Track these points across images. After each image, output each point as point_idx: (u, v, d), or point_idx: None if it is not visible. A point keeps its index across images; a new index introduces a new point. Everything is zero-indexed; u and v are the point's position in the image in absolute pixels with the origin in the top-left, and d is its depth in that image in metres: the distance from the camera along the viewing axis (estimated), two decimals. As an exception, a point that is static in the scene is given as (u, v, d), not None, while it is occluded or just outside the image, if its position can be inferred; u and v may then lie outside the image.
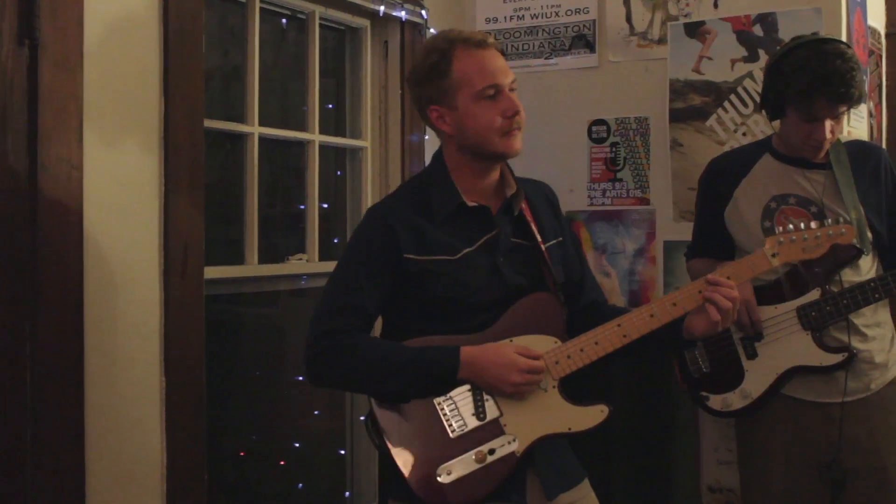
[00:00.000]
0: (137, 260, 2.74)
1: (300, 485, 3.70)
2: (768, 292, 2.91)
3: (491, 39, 2.40)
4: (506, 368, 2.28)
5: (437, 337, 2.35)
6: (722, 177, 3.06)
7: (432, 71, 2.37)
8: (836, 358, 2.85)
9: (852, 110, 3.42)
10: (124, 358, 2.70)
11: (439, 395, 2.31)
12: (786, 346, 2.89)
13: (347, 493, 3.85)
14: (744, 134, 3.58)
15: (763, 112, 3.01)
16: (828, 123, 2.77)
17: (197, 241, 2.87)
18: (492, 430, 2.31)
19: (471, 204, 2.40)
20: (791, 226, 2.50)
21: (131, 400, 2.71)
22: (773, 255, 2.48)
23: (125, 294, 2.70)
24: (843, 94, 2.72)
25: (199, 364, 2.89)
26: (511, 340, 2.35)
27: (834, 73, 2.69)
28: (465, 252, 2.37)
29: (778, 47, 3.05)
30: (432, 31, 3.97)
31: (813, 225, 2.49)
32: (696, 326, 2.42)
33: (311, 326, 2.35)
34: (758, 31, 3.59)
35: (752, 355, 2.93)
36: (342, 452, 3.86)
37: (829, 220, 2.51)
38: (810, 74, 2.71)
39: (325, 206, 3.77)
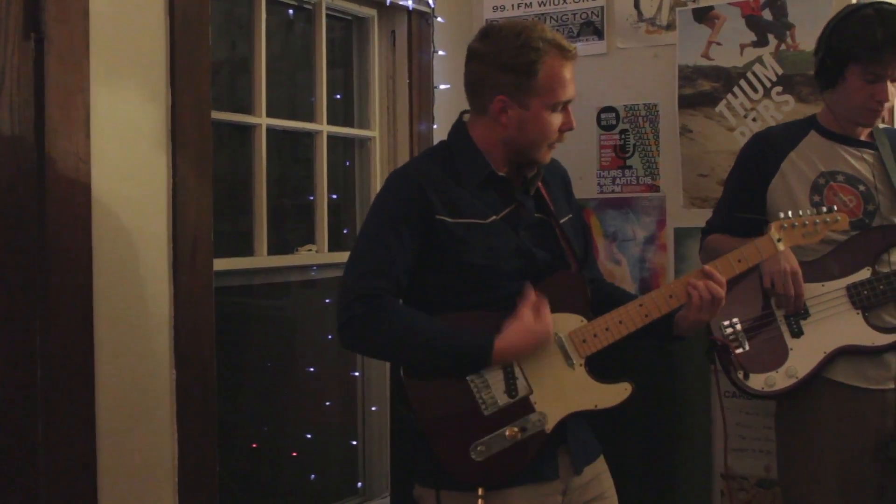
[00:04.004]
0: (146, 252, 2.74)
1: (312, 476, 3.70)
2: (813, 270, 2.85)
3: (575, 50, 2.41)
4: (538, 337, 2.31)
5: (469, 314, 2.36)
6: (770, 149, 2.99)
7: (522, 66, 2.33)
8: (890, 338, 2.80)
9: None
10: (134, 350, 2.70)
11: (468, 374, 2.32)
12: (834, 325, 2.84)
13: (360, 484, 3.86)
14: (754, 119, 3.56)
15: (816, 78, 2.96)
16: (890, 87, 2.78)
17: (205, 232, 2.87)
18: (522, 407, 2.34)
19: (500, 173, 2.42)
20: (790, 213, 2.54)
21: (142, 393, 2.72)
22: (779, 240, 2.54)
23: (134, 287, 2.71)
24: None
25: (209, 356, 2.89)
26: None
27: None
28: (493, 219, 2.39)
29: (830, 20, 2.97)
30: (440, 19, 3.97)
31: (809, 212, 2.54)
32: (680, 321, 2.47)
33: (343, 289, 2.34)
34: (767, 15, 3.57)
35: (798, 333, 2.87)
36: (354, 443, 3.86)
37: (825, 208, 2.56)
38: (882, 30, 2.72)
39: (335, 196, 3.77)
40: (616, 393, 2.40)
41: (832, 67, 2.84)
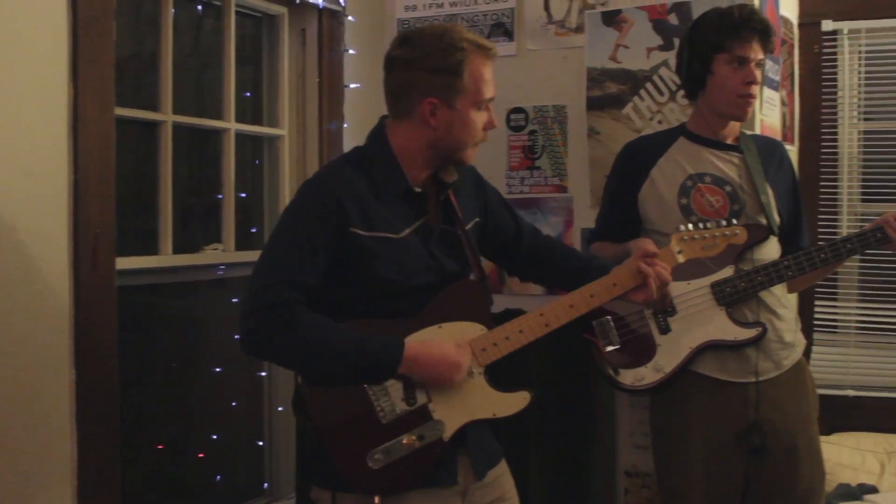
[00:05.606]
0: (46, 251, 2.68)
1: (218, 477, 3.66)
2: (680, 269, 2.90)
3: (495, 49, 2.44)
4: (450, 368, 2.33)
5: (373, 322, 2.36)
6: (638, 157, 3.12)
7: (449, 67, 2.35)
8: (751, 333, 2.91)
9: (766, 99, 3.53)
10: (32, 351, 2.64)
11: (373, 384, 2.32)
12: (699, 322, 2.94)
13: (266, 485, 3.84)
14: (659, 122, 3.62)
15: (684, 87, 3.12)
16: (757, 72, 2.94)
17: (108, 231, 2.83)
18: (421, 415, 2.35)
19: (417, 190, 2.42)
20: (691, 225, 2.63)
21: (39, 394, 2.66)
22: (679, 252, 2.62)
23: (33, 286, 2.65)
24: (767, 31, 2.93)
25: (111, 356, 2.85)
26: (440, 326, 2.39)
27: (755, 13, 2.94)
28: (406, 233, 2.39)
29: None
30: (351, 18, 3.96)
31: (710, 225, 2.63)
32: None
33: (249, 297, 2.31)
34: (673, 19, 3.62)
35: (666, 330, 2.96)
36: (260, 444, 3.84)
37: (724, 222, 2.64)
38: (738, 10, 2.93)
39: (243, 195, 3.73)
40: (515, 401, 2.43)
41: (699, 66, 2.98)
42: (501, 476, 2.55)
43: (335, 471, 2.33)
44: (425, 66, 2.37)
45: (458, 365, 2.33)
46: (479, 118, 2.42)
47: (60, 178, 2.72)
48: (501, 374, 2.46)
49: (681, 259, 2.61)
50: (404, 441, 2.32)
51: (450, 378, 2.33)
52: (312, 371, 2.35)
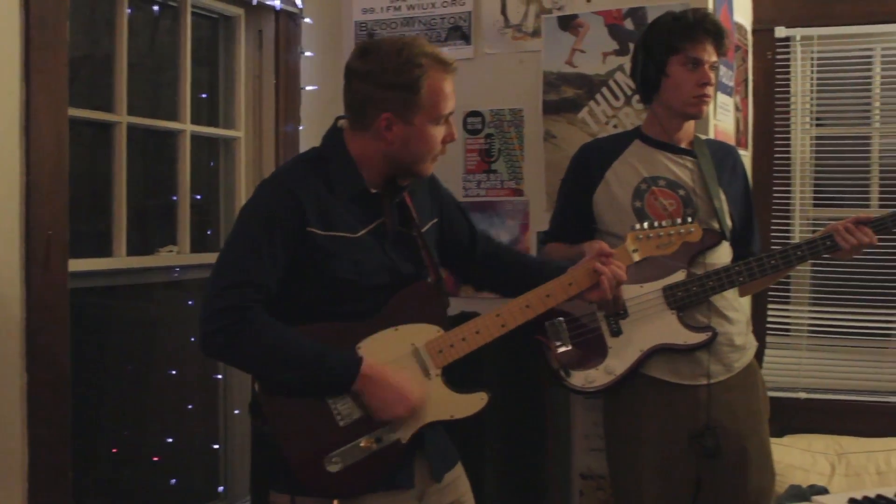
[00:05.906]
0: (-4, 252, 2.66)
1: (173, 480, 3.64)
2: (633, 272, 2.93)
3: (455, 63, 2.43)
4: (398, 399, 2.33)
5: (329, 325, 2.35)
6: (594, 160, 3.14)
7: (406, 84, 2.33)
8: (701, 337, 2.94)
9: (720, 104, 3.56)
10: (-18, 353, 2.62)
11: (327, 397, 2.32)
12: (651, 325, 2.96)
13: (221, 488, 3.82)
14: (615, 126, 3.64)
15: (638, 90, 3.14)
16: (711, 73, 2.97)
17: (60, 232, 2.81)
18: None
19: (373, 191, 2.42)
20: (646, 224, 2.65)
21: (-10, 397, 2.64)
22: (634, 251, 2.63)
23: (-17, 288, 2.62)
24: (720, 33, 2.97)
25: (63, 359, 2.82)
26: (396, 329, 2.40)
27: (708, 16, 2.99)
28: (362, 233, 2.39)
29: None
30: (308, 20, 3.95)
31: (665, 223, 2.65)
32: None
33: (210, 297, 2.30)
34: (628, 24, 3.65)
35: (617, 332, 2.98)
36: (216, 447, 3.82)
37: (679, 220, 2.67)
38: (692, 13, 2.97)
39: (198, 197, 3.71)
40: (472, 403, 2.44)
41: (653, 68, 3.01)
42: (458, 479, 2.56)
43: (293, 475, 2.33)
44: (381, 81, 2.35)
45: (407, 400, 2.33)
46: (438, 132, 2.40)
47: (12, 178, 2.70)
48: (457, 376, 2.47)
49: (636, 258, 2.63)
50: (362, 444, 2.32)
51: (395, 409, 2.32)
52: (270, 377, 2.34)
